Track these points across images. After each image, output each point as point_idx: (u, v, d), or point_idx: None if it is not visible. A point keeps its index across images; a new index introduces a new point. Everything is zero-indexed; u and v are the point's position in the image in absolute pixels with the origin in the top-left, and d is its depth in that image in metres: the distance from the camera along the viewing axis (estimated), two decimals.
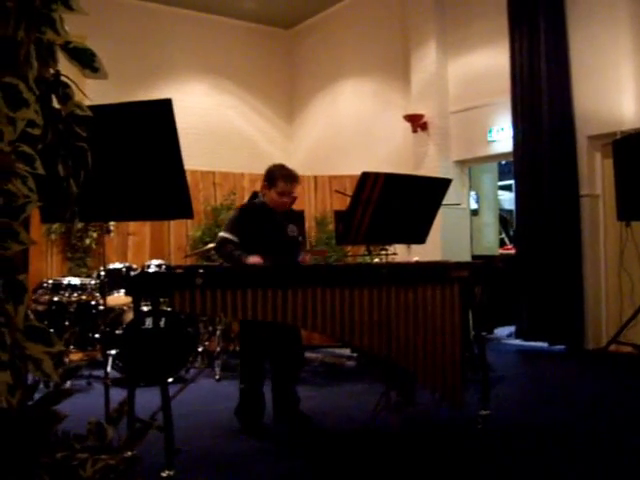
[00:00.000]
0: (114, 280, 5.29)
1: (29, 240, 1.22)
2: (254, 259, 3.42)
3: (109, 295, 5.13)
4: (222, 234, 3.65)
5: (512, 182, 7.66)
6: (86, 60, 1.20)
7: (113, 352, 4.71)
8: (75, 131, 1.26)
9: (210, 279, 2.72)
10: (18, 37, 1.09)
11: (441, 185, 3.64)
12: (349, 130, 8.75)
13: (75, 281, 5.31)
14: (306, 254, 3.87)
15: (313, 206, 7.20)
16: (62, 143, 1.27)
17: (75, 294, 5.20)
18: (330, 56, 9.13)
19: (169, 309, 4.40)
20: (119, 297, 5.26)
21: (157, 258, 5.92)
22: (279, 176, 3.62)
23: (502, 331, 7.32)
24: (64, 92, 1.21)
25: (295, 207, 3.88)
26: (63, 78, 1.22)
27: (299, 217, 3.91)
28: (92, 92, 1.41)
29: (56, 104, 1.29)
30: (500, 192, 8.98)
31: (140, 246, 6.65)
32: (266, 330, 3.52)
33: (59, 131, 1.26)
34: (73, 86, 1.26)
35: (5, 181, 1.21)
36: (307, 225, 6.06)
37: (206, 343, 5.50)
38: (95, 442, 1.50)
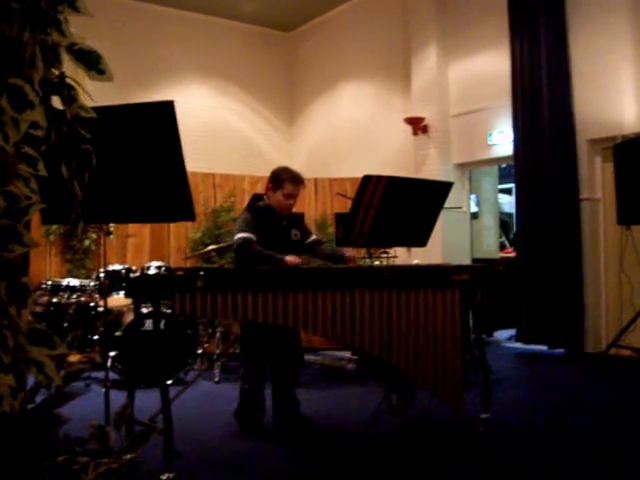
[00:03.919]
0: (113, 282, 5.28)
1: (32, 242, 1.21)
2: (291, 258, 3.37)
3: (108, 296, 5.11)
4: (241, 235, 3.48)
5: (512, 185, 7.67)
6: (92, 62, 1.19)
7: (112, 354, 4.69)
8: (79, 133, 1.25)
9: (211, 281, 2.72)
10: (23, 38, 1.08)
11: (442, 188, 3.64)
12: (349, 133, 8.74)
13: (74, 282, 5.30)
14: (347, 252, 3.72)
15: (313, 208, 7.20)
16: (66, 145, 1.26)
17: (74, 295, 5.18)
18: (331, 59, 9.12)
19: (169, 311, 4.38)
20: (118, 299, 5.25)
21: (156, 260, 5.91)
22: (286, 178, 3.61)
23: (502, 334, 7.32)
24: (69, 94, 1.20)
25: (295, 209, 3.87)
26: (68, 80, 1.21)
27: (300, 220, 3.90)
28: (91, 93, 1.40)
29: (59, 105, 1.29)
30: (500, 195, 8.97)
31: (139, 247, 6.64)
32: (266, 332, 3.51)
33: (63, 133, 1.25)
34: (77, 88, 1.25)
35: (7, 182, 1.20)
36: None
37: (206, 345, 5.49)
38: (96, 445, 1.49)
